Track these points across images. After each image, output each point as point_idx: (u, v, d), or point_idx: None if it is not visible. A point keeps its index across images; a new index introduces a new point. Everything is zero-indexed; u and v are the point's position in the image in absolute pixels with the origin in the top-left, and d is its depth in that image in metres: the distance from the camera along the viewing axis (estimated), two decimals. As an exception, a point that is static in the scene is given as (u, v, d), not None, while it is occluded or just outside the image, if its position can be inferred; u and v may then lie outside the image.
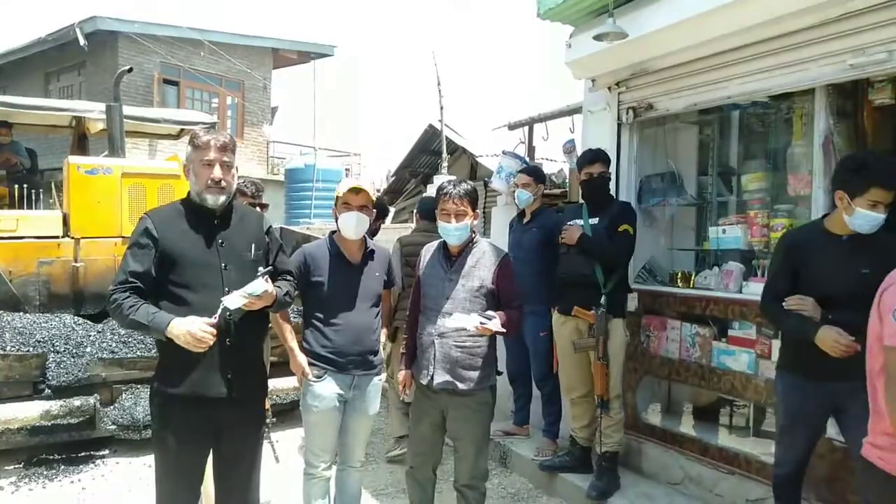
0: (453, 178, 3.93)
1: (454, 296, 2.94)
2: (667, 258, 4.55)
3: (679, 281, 4.14)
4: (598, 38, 3.77)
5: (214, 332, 2.31)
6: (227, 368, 2.45)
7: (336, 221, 3.11)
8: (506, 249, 4.40)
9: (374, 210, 3.27)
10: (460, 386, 2.93)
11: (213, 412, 2.46)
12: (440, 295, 2.97)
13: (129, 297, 2.34)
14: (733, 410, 4.18)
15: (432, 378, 2.94)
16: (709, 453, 3.76)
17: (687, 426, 4.21)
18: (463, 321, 2.81)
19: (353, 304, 3.05)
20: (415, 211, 5.45)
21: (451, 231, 2.96)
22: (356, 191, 3.07)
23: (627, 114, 4.32)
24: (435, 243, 3.18)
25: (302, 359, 3.06)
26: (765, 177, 3.97)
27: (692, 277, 4.12)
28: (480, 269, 2.98)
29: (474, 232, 3.05)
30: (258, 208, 3.98)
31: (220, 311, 2.35)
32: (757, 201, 3.93)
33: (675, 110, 4.12)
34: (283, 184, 14.04)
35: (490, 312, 2.87)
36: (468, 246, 3.03)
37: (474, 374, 2.95)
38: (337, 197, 3.11)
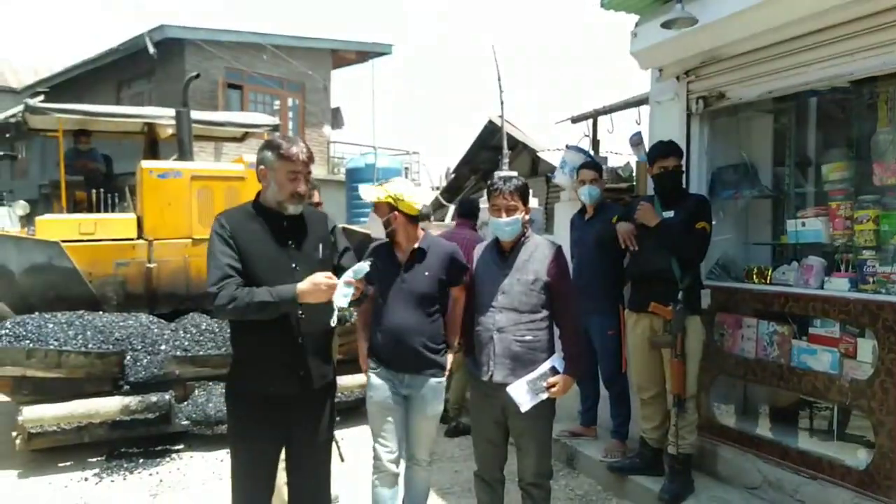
0: (514, 173, 3.89)
1: (509, 290, 2.93)
2: (741, 253, 4.36)
3: (755, 277, 3.97)
4: (666, 25, 3.65)
5: (332, 276, 2.35)
6: (300, 366, 2.50)
7: None
8: (568, 245, 4.37)
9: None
10: None
11: (286, 409, 2.51)
12: (495, 290, 2.95)
13: (237, 287, 2.36)
14: (815, 412, 3.99)
15: (492, 375, 2.92)
16: (789, 457, 3.59)
17: (764, 428, 4.04)
18: (527, 399, 2.86)
19: (393, 304, 3.07)
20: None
21: (502, 226, 2.95)
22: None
23: (697, 103, 4.16)
24: (486, 241, 3.17)
25: (363, 352, 3.19)
26: (847, 166, 3.76)
27: (769, 273, 3.93)
28: (534, 262, 2.95)
29: (526, 227, 3.02)
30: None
31: (335, 313, 2.37)
32: (839, 192, 3.72)
33: (749, 98, 3.94)
34: (344, 183, 14.23)
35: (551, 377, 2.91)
36: (520, 241, 3.00)
37: (535, 369, 2.91)
38: None
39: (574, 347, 3.00)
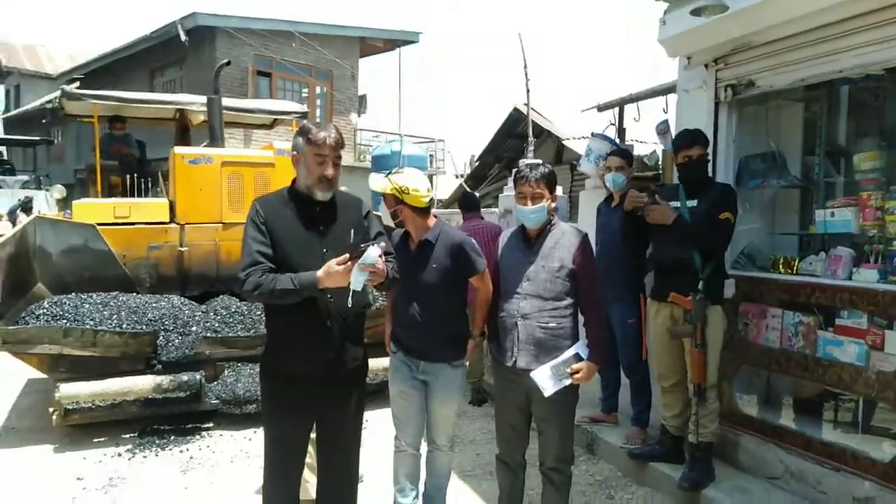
0: (539, 161, 3.90)
1: (534, 277, 2.95)
2: (768, 243, 4.32)
3: (781, 267, 3.93)
4: (695, 12, 3.62)
5: (346, 259, 2.37)
6: (329, 349, 2.56)
7: None
8: (593, 233, 4.37)
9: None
10: None
11: (316, 390, 2.58)
12: (520, 277, 2.98)
13: (263, 274, 2.44)
14: (839, 404, 3.96)
15: (516, 360, 2.96)
16: (812, 448, 3.57)
17: (787, 419, 4.01)
18: (550, 384, 2.89)
19: (407, 295, 3.10)
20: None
21: (528, 214, 2.97)
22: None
23: (726, 92, 4.11)
24: (512, 228, 3.20)
25: (388, 334, 3.28)
26: (879, 155, 3.69)
27: (795, 263, 3.90)
28: (560, 249, 2.96)
29: (552, 215, 3.03)
30: None
31: (350, 297, 2.40)
32: (870, 182, 3.66)
33: (780, 87, 3.88)
34: (370, 171, 14.30)
35: (575, 363, 2.92)
36: (546, 228, 3.02)
37: (559, 356, 2.94)
38: None
39: (598, 335, 3.01)
